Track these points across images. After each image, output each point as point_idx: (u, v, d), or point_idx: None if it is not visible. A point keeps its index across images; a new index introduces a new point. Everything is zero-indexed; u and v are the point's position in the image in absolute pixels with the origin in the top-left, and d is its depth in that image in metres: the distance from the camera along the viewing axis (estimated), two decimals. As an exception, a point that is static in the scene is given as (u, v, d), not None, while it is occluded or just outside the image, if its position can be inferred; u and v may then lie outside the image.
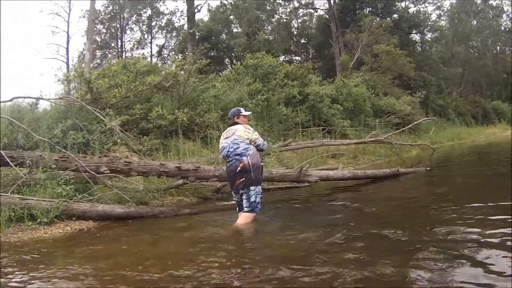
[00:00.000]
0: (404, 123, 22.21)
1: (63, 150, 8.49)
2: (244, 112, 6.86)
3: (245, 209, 6.20)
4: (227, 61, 41.93)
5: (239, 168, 6.17)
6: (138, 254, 4.99)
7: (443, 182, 10.56)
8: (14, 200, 6.82)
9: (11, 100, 8.74)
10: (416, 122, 20.75)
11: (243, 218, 6.18)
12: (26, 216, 6.63)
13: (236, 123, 6.64)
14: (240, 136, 6.35)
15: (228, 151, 6.36)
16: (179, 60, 15.59)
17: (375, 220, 6.23)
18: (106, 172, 7.69)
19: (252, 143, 6.36)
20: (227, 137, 6.49)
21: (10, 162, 7.71)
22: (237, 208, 6.49)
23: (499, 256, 3.93)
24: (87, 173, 7.64)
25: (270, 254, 4.71)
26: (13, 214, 6.60)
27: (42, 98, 10.52)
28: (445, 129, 31.06)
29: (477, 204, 6.33)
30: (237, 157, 6.24)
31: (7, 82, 47.07)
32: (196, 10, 32.45)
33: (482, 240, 4.47)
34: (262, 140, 6.59)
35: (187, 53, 27.96)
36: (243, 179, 6.16)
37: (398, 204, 7.54)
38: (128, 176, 8.13)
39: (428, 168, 12.17)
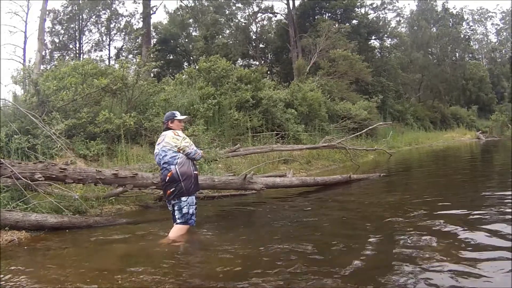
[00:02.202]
0: (361, 128, 22.34)
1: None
2: (179, 117, 6.44)
3: (178, 220, 5.99)
4: (186, 65, 41.62)
5: (167, 178, 5.95)
6: (59, 269, 4.79)
7: (396, 189, 10.65)
8: None
9: None
10: (371, 127, 20.99)
11: (175, 231, 5.96)
12: None
13: (169, 128, 6.32)
14: (168, 143, 6.07)
15: (159, 159, 6.15)
16: (125, 61, 15.23)
17: (311, 232, 6.12)
18: (40, 179, 7.45)
19: (181, 151, 6.08)
20: (158, 143, 6.25)
21: None
22: (172, 218, 6.20)
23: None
24: (20, 180, 7.40)
25: (196, 272, 4.60)
26: None
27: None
28: (403, 134, 31.54)
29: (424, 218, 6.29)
30: (165, 165, 6.02)
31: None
32: (151, 12, 32.10)
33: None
34: (194, 149, 6.20)
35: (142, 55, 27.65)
36: (173, 189, 5.93)
37: (342, 214, 7.48)
38: (65, 183, 7.91)
39: (382, 174, 12.30)
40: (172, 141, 6.07)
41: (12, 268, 4.93)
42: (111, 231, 6.77)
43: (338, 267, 4.28)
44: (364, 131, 19.92)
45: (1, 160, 7.51)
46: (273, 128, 18.57)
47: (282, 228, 6.53)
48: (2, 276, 4.59)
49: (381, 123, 23.76)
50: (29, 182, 7.39)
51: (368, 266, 4.32)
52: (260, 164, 13.25)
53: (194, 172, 6.20)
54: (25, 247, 6.05)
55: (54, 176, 7.56)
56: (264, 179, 9.89)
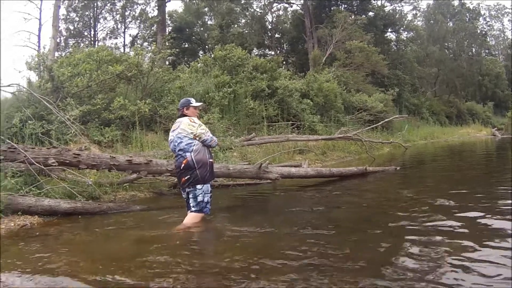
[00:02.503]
0: (377, 120, 22.10)
1: (8, 140, 8.10)
2: (194, 103, 6.28)
3: (192, 208, 5.84)
4: (201, 54, 41.42)
5: (183, 165, 5.81)
6: (70, 255, 4.69)
7: (411, 183, 10.38)
8: None
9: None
10: (387, 119, 20.76)
11: (190, 218, 5.83)
12: None
13: (184, 115, 6.15)
14: (183, 130, 5.91)
15: (174, 145, 6.00)
16: (140, 48, 15.17)
17: (326, 223, 5.93)
18: (54, 164, 7.36)
19: (197, 138, 5.92)
20: (173, 130, 6.09)
21: None
22: (186, 206, 6.06)
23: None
24: (33, 166, 7.31)
25: (210, 262, 4.44)
26: None
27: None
28: (419, 128, 31.17)
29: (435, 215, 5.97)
30: (181, 152, 5.87)
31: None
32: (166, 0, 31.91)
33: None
34: (210, 136, 6.05)
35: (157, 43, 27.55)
36: (188, 176, 5.79)
37: (357, 207, 7.31)
38: (78, 169, 7.82)
39: (397, 168, 12.07)
40: (188, 128, 5.91)
41: (23, 252, 4.86)
42: (124, 218, 6.69)
43: (351, 262, 4.12)
44: (380, 123, 19.69)
45: (14, 145, 7.43)
46: (288, 118, 18.39)
47: (297, 218, 6.36)
48: (11, 260, 4.50)
49: (397, 116, 23.56)
50: (42, 167, 7.30)
51: (382, 261, 4.13)
52: (275, 153, 13.09)
53: (210, 160, 6.05)
54: (37, 232, 5.95)
55: (67, 161, 7.48)
56: (280, 169, 9.73)
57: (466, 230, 4.98)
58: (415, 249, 4.37)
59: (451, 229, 5.10)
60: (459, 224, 5.23)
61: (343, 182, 10.18)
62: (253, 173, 8.82)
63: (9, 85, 9.61)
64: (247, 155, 12.47)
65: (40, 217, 6.67)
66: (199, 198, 5.81)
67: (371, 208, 7.04)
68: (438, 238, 4.74)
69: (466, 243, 4.47)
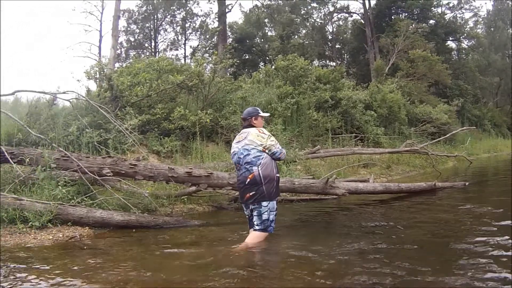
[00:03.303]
0: (440, 132, 21.39)
1: (60, 148, 7.78)
2: (262, 113, 5.79)
3: (256, 227, 5.26)
4: (262, 65, 41.25)
5: (248, 180, 5.22)
6: (117, 274, 4.21)
7: (484, 200, 8.99)
8: (8, 200, 6.33)
9: (13, 93, 8.07)
10: (454, 131, 19.94)
11: (253, 237, 5.23)
12: (18, 218, 6.10)
13: (251, 126, 5.63)
14: (252, 141, 5.37)
15: (238, 158, 5.41)
16: (201, 58, 14.94)
17: (398, 247, 5.08)
18: (108, 174, 6.97)
19: (267, 151, 5.39)
20: (238, 141, 5.52)
21: (10, 159, 7.22)
22: (248, 224, 5.50)
23: None
24: (87, 175, 6.94)
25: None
26: (5, 215, 6.12)
27: (45, 93, 9.77)
28: (481, 140, 29.78)
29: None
30: (247, 166, 5.28)
31: (42, 80, 47.66)
32: (227, 10, 31.81)
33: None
34: (279, 148, 5.55)
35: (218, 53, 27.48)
36: (253, 193, 5.20)
37: (433, 226, 6.37)
38: (134, 180, 7.41)
39: (467, 183, 11.06)
40: (257, 139, 5.39)
41: (67, 268, 4.49)
42: (181, 233, 6.20)
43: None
44: (447, 136, 18.71)
45: (67, 153, 7.10)
46: (352, 130, 17.72)
47: (367, 241, 5.47)
48: (50, 276, 4.17)
49: (464, 128, 22.46)
50: (96, 177, 6.93)
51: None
52: (340, 167, 12.43)
53: (277, 175, 5.45)
54: (84, 247, 5.57)
55: (123, 172, 7.12)
56: (346, 184, 9.00)
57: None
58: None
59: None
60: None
61: (412, 198, 9.34)
62: (319, 188, 8.17)
63: (64, 92, 9.33)
64: (311, 168, 11.85)
65: (91, 228, 6.38)
66: (264, 216, 5.22)
67: (451, 228, 6.13)
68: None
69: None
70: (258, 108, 5.90)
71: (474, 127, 27.27)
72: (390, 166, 15.40)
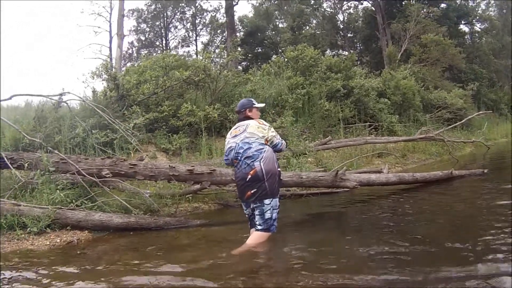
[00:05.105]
0: (456, 118, 20.80)
1: (56, 151, 7.58)
2: (257, 104, 5.53)
3: (258, 227, 4.95)
4: (274, 57, 40.94)
5: (249, 177, 4.88)
6: (108, 282, 3.99)
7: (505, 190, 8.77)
8: (6, 206, 6.18)
9: (10, 98, 7.87)
10: (470, 116, 19.46)
11: (255, 238, 4.92)
12: (17, 224, 5.97)
13: (248, 118, 5.34)
14: (253, 133, 5.07)
15: (236, 153, 5.07)
16: (207, 52, 14.75)
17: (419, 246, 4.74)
18: (108, 176, 6.78)
19: (268, 143, 5.11)
20: (235, 135, 5.20)
21: (9, 165, 7.09)
22: (249, 223, 5.23)
23: None
24: (84, 177, 6.75)
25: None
26: (4, 221, 5.98)
27: (43, 96, 9.60)
28: (498, 125, 29.03)
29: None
30: (247, 161, 4.94)
31: (51, 82, 48.04)
32: (234, 3, 31.71)
33: None
34: (280, 139, 5.30)
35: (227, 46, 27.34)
36: (255, 190, 4.88)
37: (453, 219, 6.04)
38: (135, 180, 7.22)
39: (485, 170, 10.58)
40: (258, 131, 5.10)
41: (59, 274, 4.36)
42: (182, 234, 5.99)
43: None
44: (463, 121, 18.26)
45: (63, 156, 6.93)
46: (365, 119, 17.31)
47: (379, 239, 5.10)
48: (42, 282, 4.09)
49: (481, 112, 21.91)
50: (95, 179, 6.74)
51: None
52: (353, 158, 12.04)
53: (278, 169, 5.14)
54: (78, 252, 5.39)
55: (123, 172, 6.93)
56: (358, 176, 8.68)
57: None
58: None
59: None
60: None
61: (428, 188, 8.99)
62: (328, 182, 7.85)
63: (61, 94, 9.20)
64: (322, 160, 11.51)
65: (90, 232, 6.19)
66: (267, 215, 4.92)
67: (468, 224, 5.73)
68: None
69: None
70: (252, 99, 5.66)
71: (491, 111, 26.61)
72: (406, 154, 14.96)
